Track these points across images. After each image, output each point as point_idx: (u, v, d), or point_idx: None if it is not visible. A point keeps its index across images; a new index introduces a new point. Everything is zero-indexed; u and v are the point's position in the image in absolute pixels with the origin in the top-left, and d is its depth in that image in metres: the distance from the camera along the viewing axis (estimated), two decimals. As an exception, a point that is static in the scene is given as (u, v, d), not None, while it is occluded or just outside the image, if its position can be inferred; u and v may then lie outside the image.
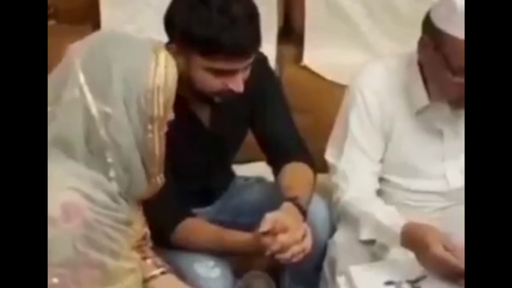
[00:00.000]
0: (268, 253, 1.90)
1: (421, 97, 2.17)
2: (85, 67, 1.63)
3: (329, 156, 2.28)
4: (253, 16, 1.99)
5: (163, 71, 1.63)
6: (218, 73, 1.97)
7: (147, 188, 1.70)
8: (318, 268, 2.24)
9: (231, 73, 1.98)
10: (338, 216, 2.29)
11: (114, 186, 1.64)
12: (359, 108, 2.21)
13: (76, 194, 1.56)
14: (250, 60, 2.00)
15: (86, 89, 1.61)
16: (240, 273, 2.10)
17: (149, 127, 1.63)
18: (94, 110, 1.60)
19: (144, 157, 1.65)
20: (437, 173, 2.24)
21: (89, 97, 1.61)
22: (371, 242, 2.14)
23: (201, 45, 1.93)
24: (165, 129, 1.68)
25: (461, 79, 1.94)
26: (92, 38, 1.70)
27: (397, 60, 2.25)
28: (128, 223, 1.68)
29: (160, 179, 1.73)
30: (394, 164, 2.25)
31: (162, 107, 1.64)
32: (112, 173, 1.64)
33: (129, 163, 1.64)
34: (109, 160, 1.63)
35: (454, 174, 2.22)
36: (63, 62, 1.66)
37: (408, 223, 2.03)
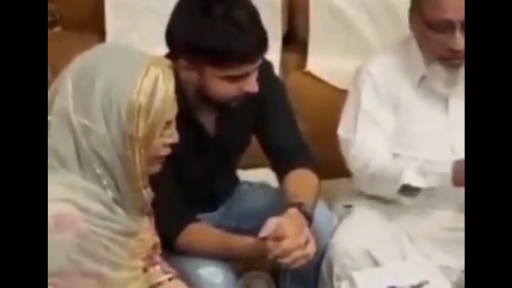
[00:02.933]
0: (270, 257, 1.91)
1: (421, 68, 2.30)
2: (74, 76, 1.62)
3: (342, 132, 2.35)
4: (255, 18, 2.01)
5: (149, 89, 1.60)
6: (233, 79, 1.99)
7: (133, 200, 1.68)
8: (319, 270, 2.25)
9: (245, 76, 2.00)
10: (340, 219, 2.31)
11: (109, 194, 1.63)
12: (368, 87, 2.32)
13: (69, 206, 1.56)
14: (261, 60, 2.03)
15: (70, 99, 1.60)
16: (241, 273, 2.10)
17: (128, 145, 1.61)
18: (74, 121, 1.60)
19: (126, 171, 1.64)
20: (444, 146, 2.28)
21: (71, 107, 1.60)
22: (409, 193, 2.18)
23: (212, 57, 1.95)
24: (156, 150, 1.65)
25: (441, 36, 2.14)
26: (95, 47, 1.69)
27: (399, 42, 2.41)
28: (128, 234, 1.67)
29: (146, 193, 1.71)
30: (401, 138, 2.31)
31: (144, 128, 1.60)
32: (104, 182, 1.63)
33: (113, 175, 1.63)
34: (98, 171, 1.62)
35: (461, 146, 2.21)
36: (64, 70, 1.65)
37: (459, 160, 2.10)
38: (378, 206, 2.36)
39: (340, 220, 2.34)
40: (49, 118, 1.61)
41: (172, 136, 1.69)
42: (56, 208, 1.53)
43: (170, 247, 2.04)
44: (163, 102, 1.62)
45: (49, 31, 2.92)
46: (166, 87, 1.62)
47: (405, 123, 2.31)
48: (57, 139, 1.60)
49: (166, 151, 1.70)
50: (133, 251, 1.70)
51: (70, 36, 2.95)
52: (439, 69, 2.25)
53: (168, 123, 1.67)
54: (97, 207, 1.60)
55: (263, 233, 1.91)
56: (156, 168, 1.71)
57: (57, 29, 3.01)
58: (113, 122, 1.59)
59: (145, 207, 1.75)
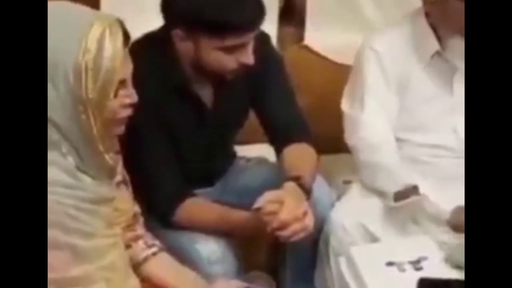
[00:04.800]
0: (268, 230, 1.90)
1: (432, 43, 2.23)
2: None
3: (346, 108, 2.33)
4: None
5: (94, 47, 1.51)
6: (229, 49, 1.97)
7: (97, 165, 1.61)
8: (317, 245, 2.25)
9: (241, 47, 1.99)
10: (339, 194, 2.32)
11: (70, 161, 1.57)
12: (374, 64, 2.26)
13: None
14: (257, 31, 2.01)
15: None
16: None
17: (80, 108, 1.53)
18: None
19: (82, 135, 1.56)
20: (447, 127, 2.26)
21: None
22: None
23: (212, 27, 1.93)
24: (112, 111, 1.57)
25: None
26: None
27: (402, 18, 2.34)
28: (96, 201, 1.61)
29: (110, 158, 1.63)
30: (407, 120, 2.28)
31: (94, 89, 1.52)
32: (63, 149, 1.56)
33: (71, 140, 1.56)
34: (55, 137, 1.55)
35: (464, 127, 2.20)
36: None
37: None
38: None
39: (340, 195, 2.33)
40: None
41: (130, 96, 1.62)
42: None
43: (168, 222, 2.03)
44: (111, 61, 1.53)
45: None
46: (113, 45, 1.54)
47: (411, 104, 2.28)
48: None
49: (127, 112, 1.63)
50: (110, 220, 1.65)
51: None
52: (459, 42, 2.16)
53: (122, 82, 1.59)
54: (59, 175, 1.54)
55: (257, 204, 1.91)
56: (120, 129, 1.65)
57: (51, 1, 2.98)
58: (61, 84, 1.51)
59: (112, 173, 1.68)
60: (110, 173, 1.67)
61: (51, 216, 1.49)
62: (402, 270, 1.95)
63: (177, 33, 1.97)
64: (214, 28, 1.94)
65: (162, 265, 1.85)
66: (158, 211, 2.01)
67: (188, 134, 2.10)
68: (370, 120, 2.26)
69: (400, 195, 2.14)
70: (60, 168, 1.55)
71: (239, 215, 2.04)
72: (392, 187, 2.16)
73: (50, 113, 1.52)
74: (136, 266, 1.80)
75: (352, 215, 2.21)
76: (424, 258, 1.97)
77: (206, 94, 2.14)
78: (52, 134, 1.54)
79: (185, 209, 2.07)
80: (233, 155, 2.42)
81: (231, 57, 1.99)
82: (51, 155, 1.53)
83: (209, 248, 2.04)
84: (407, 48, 2.27)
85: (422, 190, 2.13)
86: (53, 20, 1.51)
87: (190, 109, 2.08)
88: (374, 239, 2.20)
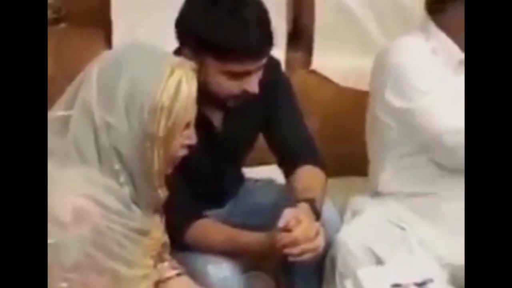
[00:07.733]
0: (278, 246, 1.91)
1: (457, 51, 2.17)
2: (99, 72, 1.64)
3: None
4: (263, 16, 2.02)
5: (172, 90, 1.62)
6: (234, 75, 1.99)
7: (149, 198, 1.71)
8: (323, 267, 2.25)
9: (246, 74, 2.00)
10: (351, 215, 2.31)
11: (126, 191, 1.65)
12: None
13: (88, 201, 1.57)
14: (263, 61, 2.03)
15: (94, 94, 1.62)
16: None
17: (148, 144, 1.63)
18: (97, 116, 1.61)
19: (143, 169, 1.66)
20: None
21: (94, 103, 1.61)
22: None
23: (214, 49, 1.96)
24: (174, 150, 1.68)
25: None
26: (123, 45, 1.72)
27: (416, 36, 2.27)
28: (142, 232, 1.69)
29: (162, 192, 1.73)
30: None
31: (165, 128, 1.62)
32: (122, 178, 1.64)
33: (131, 172, 1.65)
34: (116, 167, 1.63)
35: None
36: (88, 66, 1.67)
37: None
38: (390, 206, 2.34)
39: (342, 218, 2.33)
40: (71, 112, 1.63)
41: (190, 137, 1.72)
42: (76, 202, 1.54)
43: (179, 243, 2.04)
44: (184, 104, 1.64)
45: (55, 28, 2.94)
46: (188, 89, 1.65)
47: None
48: (78, 133, 1.62)
49: (183, 152, 1.72)
50: (145, 249, 1.72)
51: (76, 32, 2.95)
52: None
53: (188, 125, 1.69)
54: (114, 203, 1.62)
55: (281, 223, 1.91)
56: (171, 168, 1.74)
57: (62, 25, 3.01)
58: (135, 120, 1.61)
59: (158, 206, 1.76)
60: (157, 206, 1.75)
61: (101, 240, 1.57)
62: (408, 292, 1.97)
63: (185, 52, 2.00)
64: (218, 52, 1.96)
65: (184, 287, 1.90)
66: (169, 232, 2.03)
67: (198, 156, 2.11)
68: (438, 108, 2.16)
69: None
70: (115, 196, 1.62)
71: (248, 237, 2.05)
72: None
73: (117, 143, 1.62)
74: (156, 283, 1.83)
75: (359, 237, 2.22)
76: (430, 280, 1.99)
77: (216, 116, 2.16)
78: (114, 163, 1.63)
79: (195, 230, 2.08)
80: (242, 177, 2.43)
81: (234, 83, 2.01)
82: (110, 183, 1.62)
83: (217, 267, 2.05)
84: (432, 64, 2.21)
85: None
86: (136, 58, 1.64)
87: (199, 131, 2.10)
88: (380, 262, 2.20)
